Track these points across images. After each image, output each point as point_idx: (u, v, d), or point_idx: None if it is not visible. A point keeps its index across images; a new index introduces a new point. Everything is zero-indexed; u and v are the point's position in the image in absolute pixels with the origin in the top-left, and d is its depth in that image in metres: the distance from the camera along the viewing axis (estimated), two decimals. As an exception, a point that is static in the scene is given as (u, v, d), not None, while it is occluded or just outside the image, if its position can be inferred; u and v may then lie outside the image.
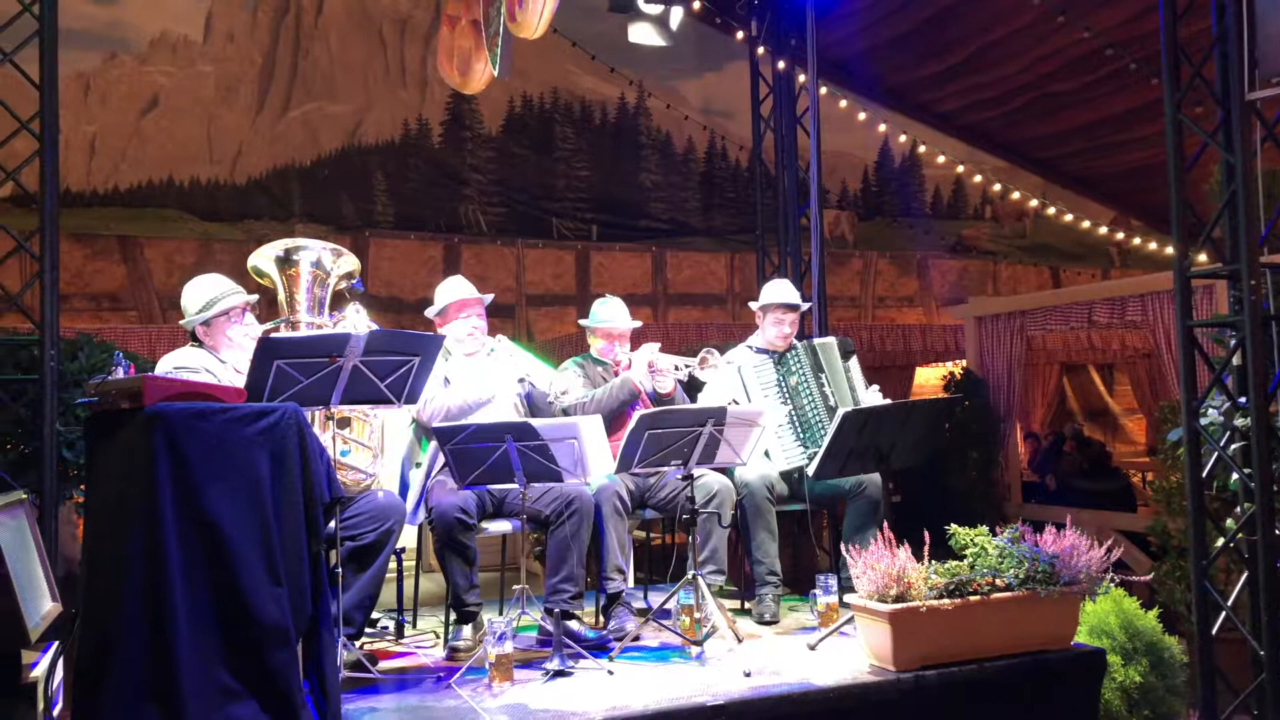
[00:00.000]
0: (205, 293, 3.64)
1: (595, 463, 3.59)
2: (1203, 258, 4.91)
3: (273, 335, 3.15)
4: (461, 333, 4.20)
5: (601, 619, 4.13)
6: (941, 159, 11.09)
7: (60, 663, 3.25)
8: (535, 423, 3.50)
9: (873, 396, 4.51)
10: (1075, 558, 3.59)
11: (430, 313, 4.32)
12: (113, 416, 2.79)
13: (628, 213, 11.27)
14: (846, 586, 3.77)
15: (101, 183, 9.51)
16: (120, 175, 9.75)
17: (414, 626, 4.30)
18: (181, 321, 3.68)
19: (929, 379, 10.58)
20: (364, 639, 3.79)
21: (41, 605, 3.32)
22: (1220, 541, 3.87)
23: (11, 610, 2.97)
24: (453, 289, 4.28)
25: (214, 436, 2.75)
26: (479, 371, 4.15)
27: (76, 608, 3.08)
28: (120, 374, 2.87)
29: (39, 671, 2.98)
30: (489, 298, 4.35)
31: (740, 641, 3.67)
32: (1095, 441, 9.23)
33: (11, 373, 4.43)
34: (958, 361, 9.29)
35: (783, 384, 4.52)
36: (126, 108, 9.90)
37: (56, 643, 3.25)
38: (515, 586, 3.65)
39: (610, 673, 3.48)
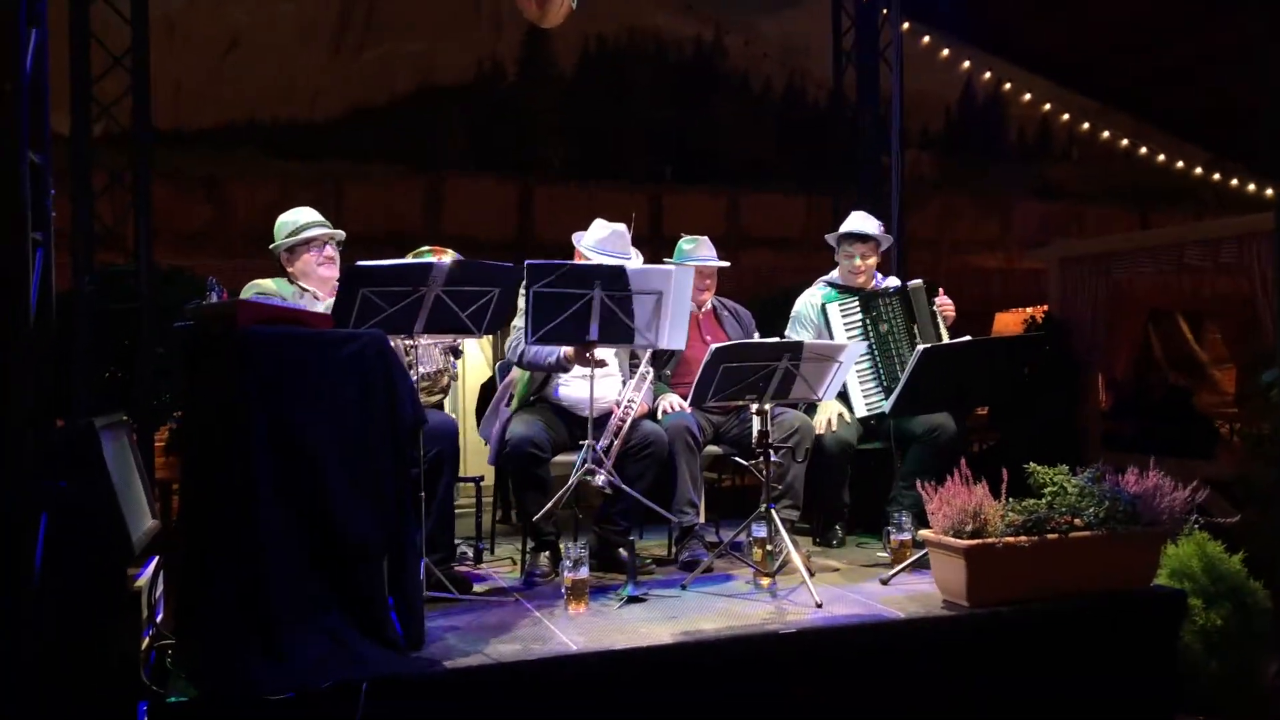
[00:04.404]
0: (293, 222, 3.81)
1: (669, 327, 3.62)
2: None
3: (359, 264, 3.22)
4: None
5: (674, 549, 4.20)
6: (1027, 97, 10.72)
7: (161, 575, 3.43)
8: (630, 269, 3.53)
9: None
10: (1158, 498, 3.52)
11: (577, 239, 4.17)
12: (207, 339, 2.89)
13: (702, 154, 11.15)
14: (919, 521, 3.76)
15: (185, 123, 9.73)
16: (203, 116, 9.97)
17: (491, 554, 4.42)
18: (270, 246, 3.84)
19: (1008, 324, 10.36)
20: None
21: (143, 521, 3.50)
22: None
23: (117, 524, 3.13)
24: (605, 241, 4.06)
25: (304, 359, 2.84)
26: None
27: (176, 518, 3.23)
28: (214, 299, 2.97)
29: (142, 582, 3.15)
30: (633, 264, 3.96)
31: (812, 575, 3.70)
32: (1180, 386, 8.99)
33: (109, 303, 4.61)
34: (1039, 307, 9.06)
35: (870, 329, 4.43)
36: (209, 49, 10.08)
37: (158, 556, 3.42)
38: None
39: (682, 597, 3.54)
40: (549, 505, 3.70)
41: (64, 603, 2.93)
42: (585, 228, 4.22)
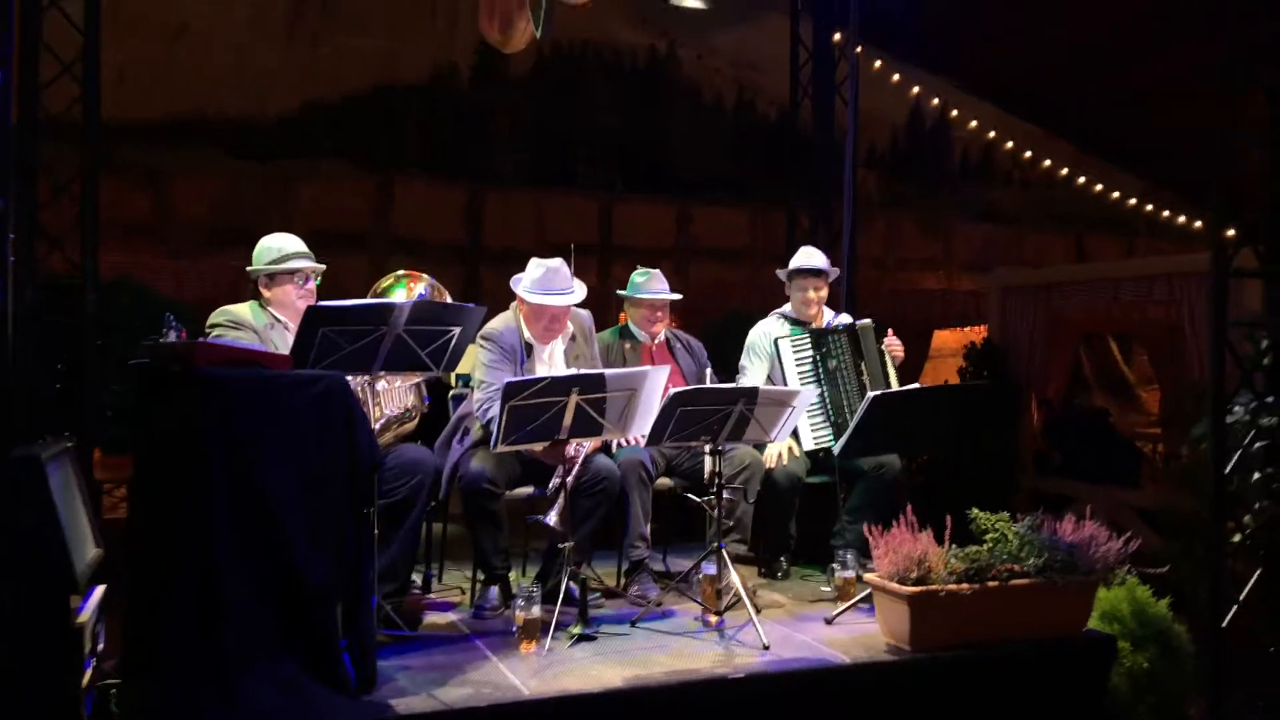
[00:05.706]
0: (279, 248, 3.66)
1: (639, 421, 3.64)
2: (1230, 232, 4.86)
3: (320, 304, 3.19)
4: (538, 330, 4.07)
5: (623, 581, 4.24)
6: (974, 124, 10.96)
7: (103, 610, 3.37)
8: (609, 373, 3.52)
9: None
10: (1093, 548, 3.66)
11: (515, 283, 4.10)
12: (164, 378, 2.85)
13: (653, 164, 11.18)
14: (863, 556, 3.87)
15: (131, 112, 9.46)
16: (150, 106, 9.70)
17: (440, 581, 4.41)
18: (248, 269, 3.70)
19: (947, 341, 10.59)
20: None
21: (86, 551, 3.43)
22: (1237, 538, 3.92)
23: (61, 558, 3.07)
24: (541, 281, 4.00)
25: (263, 401, 2.82)
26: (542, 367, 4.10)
27: (122, 555, 3.17)
28: (172, 337, 2.93)
29: (85, 615, 3.09)
30: (577, 296, 4.07)
31: (759, 612, 3.77)
32: (1099, 409, 9.27)
33: (54, 316, 4.50)
34: (977, 329, 9.28)
35: (819, 365, 4.54)
36: (156, 36, 9.81)
37: (102, 586, 3.36)
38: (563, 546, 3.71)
39: (631, 635, 3.60)
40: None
41: (5, 638, 2.88)
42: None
